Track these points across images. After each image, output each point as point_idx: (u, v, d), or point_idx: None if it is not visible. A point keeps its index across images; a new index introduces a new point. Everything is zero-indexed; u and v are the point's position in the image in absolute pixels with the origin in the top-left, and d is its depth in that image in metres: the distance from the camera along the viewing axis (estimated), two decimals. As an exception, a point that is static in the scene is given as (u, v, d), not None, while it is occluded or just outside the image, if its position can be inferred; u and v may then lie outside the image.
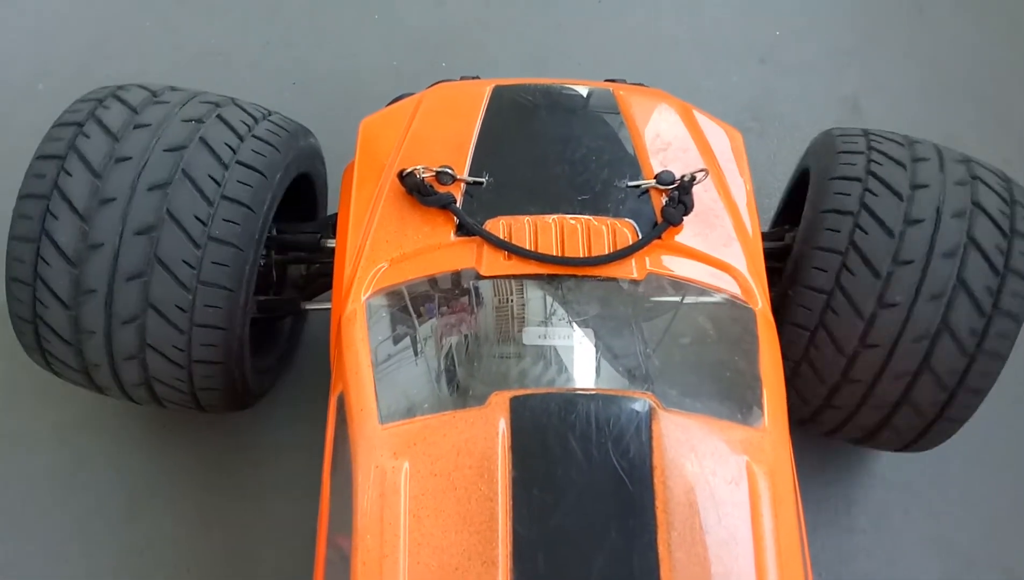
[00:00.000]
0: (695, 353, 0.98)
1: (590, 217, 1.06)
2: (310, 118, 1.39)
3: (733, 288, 1.05)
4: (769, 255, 1.21)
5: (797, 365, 1.18)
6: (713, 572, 0.82)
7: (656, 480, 0.84)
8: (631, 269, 1.02)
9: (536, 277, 1.01)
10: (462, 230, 1.06)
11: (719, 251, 1.07)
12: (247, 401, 1.33)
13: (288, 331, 1.51)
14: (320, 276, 1.47)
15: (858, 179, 1.15)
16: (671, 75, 1.97)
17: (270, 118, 1.24)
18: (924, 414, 1.17)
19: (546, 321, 0.98)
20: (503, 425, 0.86)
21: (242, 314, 1.16)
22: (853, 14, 2.11)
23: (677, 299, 1.03)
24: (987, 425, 1.53)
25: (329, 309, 1.20)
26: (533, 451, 0.85)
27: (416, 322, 0.99)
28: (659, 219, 1.07)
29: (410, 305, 1.01)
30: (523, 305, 1.00)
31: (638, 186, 1.11)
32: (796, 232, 1.24)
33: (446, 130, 1.16)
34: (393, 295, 1.02)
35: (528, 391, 0.89)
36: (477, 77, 1.34)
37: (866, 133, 1.24)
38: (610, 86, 1.25)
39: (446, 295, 1.01)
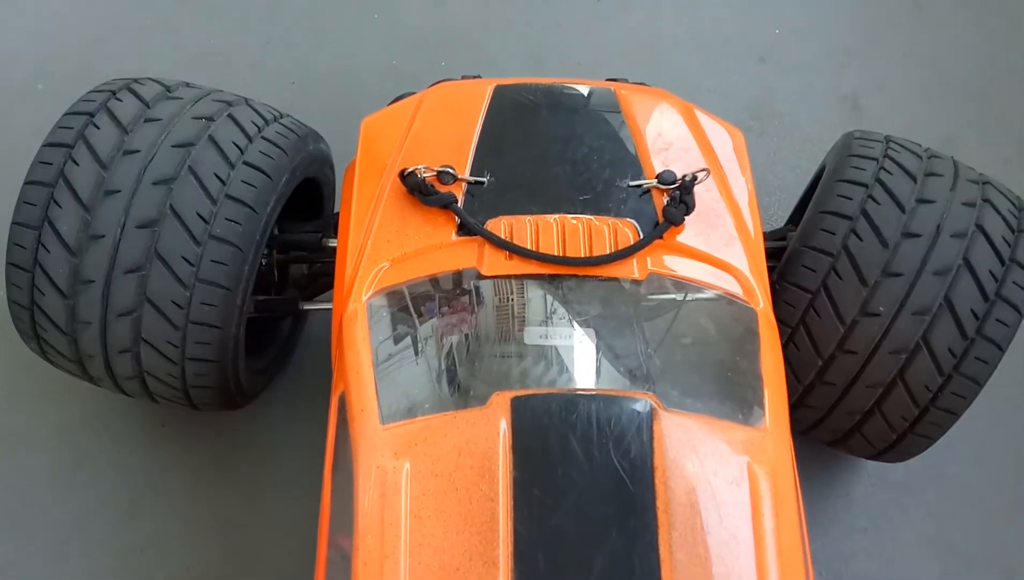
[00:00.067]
0: (696, 353, 0.98)
1: (591, 217, 1.06)
2: (310, 118, 1.39)
3: (735, 288, 1.05)
4: (771, 255, 1.21)
5: None
6: (714, 572, 0.82)
7: (657, 480, 0.84)
8: (632, 269, 1.02)
9: (537, 277, 1.01)
10: (463, 230, 1.06)
11: (721, 251, 1.07)
12: (240, 401, 1.32)
13: (287, 332, 1.51)
14: (321, 275, 1.47)
15: (864, 185, 1.15)
16: (671, 74, 1.97)
17: (281, 120, 1.24)
18: (894, 427, 1.18)
19: (547, 321, 0.98)
20: (504, 425, 0.86)
21: (238, 314, 1.15)
22: (853, 13, 2.11)
23: (678, 299, 1.03)
24: (987, 425, 1.53)
25: (328, 309, 1.20)
26: (534, 451, 0.85)
27: (417, 322, 0.99)
28: (660, 219, 1.07)
29: (411, 305, 1.01)
30: (524, 305, 1.00)
31: (639, 186, 1.11)
32: (799, 231, 1.24)
33: (447, 129, 1.16)
34: (394, 295, 1.01)
35: (529, 391, 0.89)
36: (478, 76, 1.34)
37: (887, 140, 1.24)
38: (611, 85, 1.25)
39: (447, 295, 1.01)
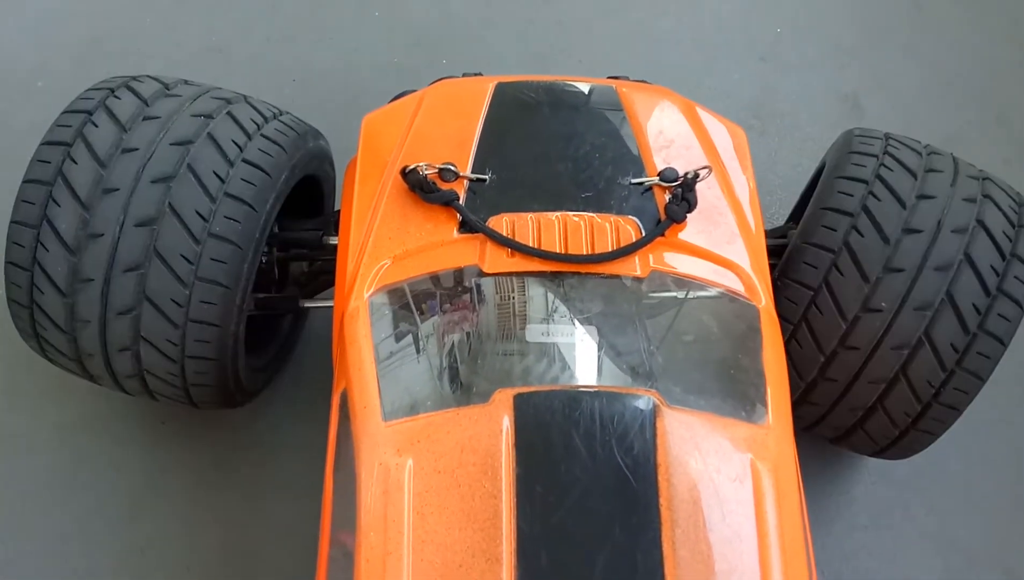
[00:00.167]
0: (699, 350, 0.98)
1: (593, 214, 1.06)
2: (310, 115, 1.39)
3: (737, 285, 1.04)
4: (772, 252, 1.21)
5: None
6: (717, 569, 0.82)
7: (660, 477, 0.84)
8: (634, 266, 1.02)
9: (539, 274, 1.01)
10: (465, 227, 1.05)
11: (722, 248, 1.07)
12: (240, 399, 1.32)
13: (287, 329, 1.51)
14: (322, 273, 1.47)
15: (864, 181, 1.15)
16: (672, 73, 1.97)
17: (280, 118, 1.24)
18: (896, 422, 1.18)
19: (548, 318, 0.97)
20: (507, 422, 0.86)
21: (238, 312, 1.15)
22: (853, 12, 2.12)
23: (680, 296, 1.02)
24: (987, 424, 1.53)
25: (328, 307, 1.19)
26: (537, 448, 0.85)
27: (419, 319, 0.99)
28: (662, 216, 1.07)
29: (413, 302, 1.00)
30: (525, 302, 1.00)
31: (641, 183, 1.11)
32: (800, 228, 1.24)
33: (449, 127, 1.16)
34: (396, 292, 1.01)
35: (532, 388, 0.89)
36: (479, 74, 1.34)
37: (887, 137, 1.24)
38: (613, 83, 1.25)
39: (449, 292, 1.01)
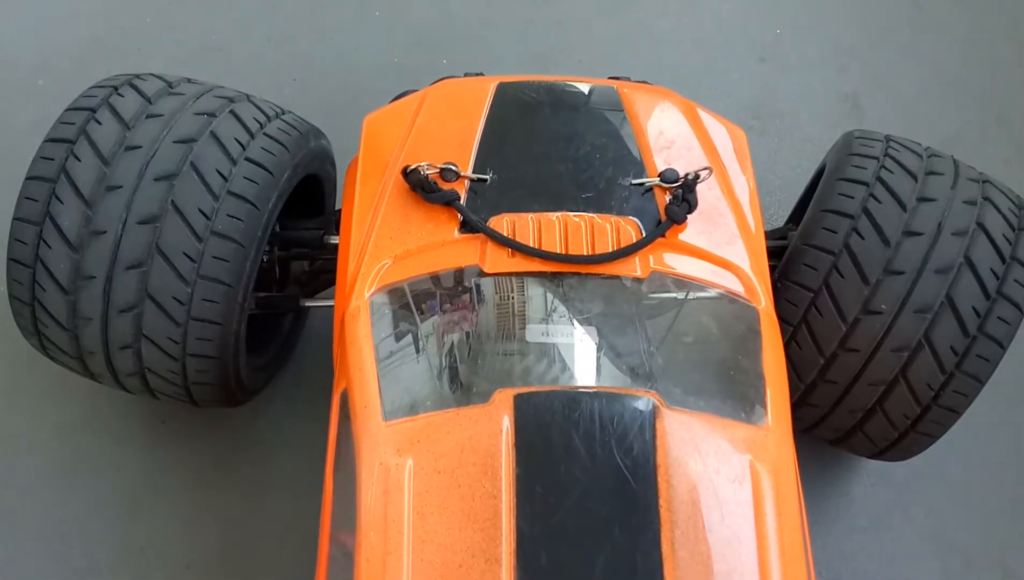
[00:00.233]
0: (698, 351, 0.98)
1: (594, 215, 1.06)
2: (311, 114, 1.39)
3: (736, 286, 1.04)
4: (772, 254, 1.21)
5: None
6: (716, 570, 0.82)
7: (660, 478, 0.84)
8: (635, 267, 1.02)
9: (539, 274, 1.01)
10: (466, 227, 1.05)
11: (723, 249, 1.07)
12: (241, 397, 1.32)
13: (288, 328, 1.51)
14: (323, 272, 1.47)
15: (865, 183, 1.15)
16: (672, 73, 1.97)
17: (283, 117, 1.24)
18: (896, 425, 1.18)
19: (548, 319, 0.97)
20: (507, 422, 0.86)
21: (240, 310, 1.15)
22: (854, 13, 2.12)
23: (680, 297, 1.03)
24: (986, 426, 1.53)
25: (329, 306, 1.19)
26: (537, 448, 0.85)
27: (419, 319, 0.99)
28: (663, 217, 1.07)
29: (413, 302, 1.00)
30: (525, 302, 1.00)
31: (642, 184, 1.11)
32: (800, 229, 1.24)
33: (450, 127, 1.16)
34: (396, 292, 1.01)
35: (532, 389, 0.89)
36: (480, 74, 1.34)
37: (887, 139, 1.24)
38: (614, 84, 1.25)
39: (449, 292, 1.01)
